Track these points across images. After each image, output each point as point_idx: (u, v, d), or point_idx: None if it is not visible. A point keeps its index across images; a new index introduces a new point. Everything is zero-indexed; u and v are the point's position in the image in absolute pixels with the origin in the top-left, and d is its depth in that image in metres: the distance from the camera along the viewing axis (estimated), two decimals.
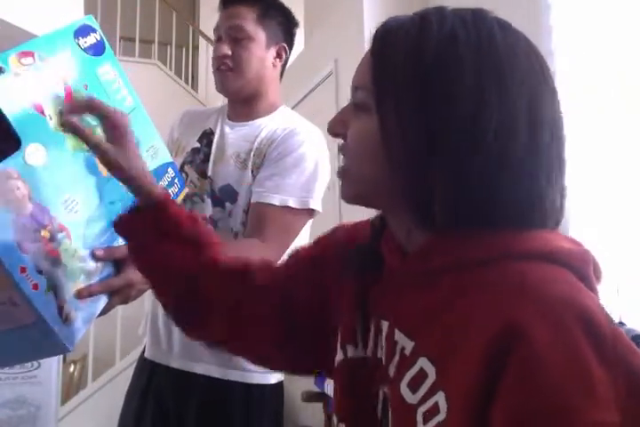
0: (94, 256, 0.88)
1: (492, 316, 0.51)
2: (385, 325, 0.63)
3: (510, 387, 0.48)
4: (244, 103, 1.39)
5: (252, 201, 1.26)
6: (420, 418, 0.55)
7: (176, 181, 1.11)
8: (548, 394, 0.47)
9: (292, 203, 1.24)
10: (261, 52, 1.36)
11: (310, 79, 3.33)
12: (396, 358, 0.60)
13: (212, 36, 1.45)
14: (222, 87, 1.37)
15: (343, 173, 0.66)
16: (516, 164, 0.56)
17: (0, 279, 0.72)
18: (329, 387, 2.23)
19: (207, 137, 1.40)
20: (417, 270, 0.62)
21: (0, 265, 0.71)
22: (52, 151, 0.81)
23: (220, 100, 2.47)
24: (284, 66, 1.44)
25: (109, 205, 0.92)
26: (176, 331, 1.29)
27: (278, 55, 1.40)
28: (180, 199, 1.13)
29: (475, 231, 0.57)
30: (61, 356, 2.28)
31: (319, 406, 2.36)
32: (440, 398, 0.53)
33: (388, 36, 0.60)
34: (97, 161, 0.85)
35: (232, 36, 1.34)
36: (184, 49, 6.40)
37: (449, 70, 0.56)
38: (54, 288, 0.80)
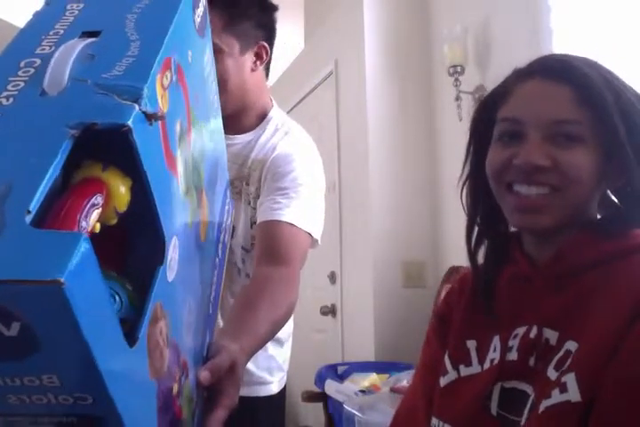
0: (200, 382, 0.61)
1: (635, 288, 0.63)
2: (520, 329, 0.72)
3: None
4: (233, 118, 1.21)
5: (259, 220, 1.13)
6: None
7: (227, 209, 0.88)
8: None
9: (299, 223, 1.12)
10: (236, 62, 1.19)
11: (310, 79, 3.33)
12: (540, 350, 0.69)
13: None
14: None
15: (546, 204, 0.70)
16: None
17: None
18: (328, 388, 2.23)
19: None
20: (558, 269, 0.72)
21: None
22: (182, 240, 0.52)
23: None
24: (268, 63, 1.27)
25: (207, 286, 0.67)
26: None
27: (258, 56, 1.23)
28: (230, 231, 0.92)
29: (611, 230, 0.70)
30: None
31: (319, 406, 2.36)
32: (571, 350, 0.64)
33: (588, 78, 0.69)
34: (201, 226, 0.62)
35: None
36: None
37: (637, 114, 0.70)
38: None
